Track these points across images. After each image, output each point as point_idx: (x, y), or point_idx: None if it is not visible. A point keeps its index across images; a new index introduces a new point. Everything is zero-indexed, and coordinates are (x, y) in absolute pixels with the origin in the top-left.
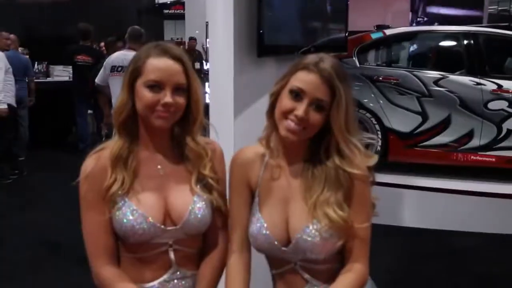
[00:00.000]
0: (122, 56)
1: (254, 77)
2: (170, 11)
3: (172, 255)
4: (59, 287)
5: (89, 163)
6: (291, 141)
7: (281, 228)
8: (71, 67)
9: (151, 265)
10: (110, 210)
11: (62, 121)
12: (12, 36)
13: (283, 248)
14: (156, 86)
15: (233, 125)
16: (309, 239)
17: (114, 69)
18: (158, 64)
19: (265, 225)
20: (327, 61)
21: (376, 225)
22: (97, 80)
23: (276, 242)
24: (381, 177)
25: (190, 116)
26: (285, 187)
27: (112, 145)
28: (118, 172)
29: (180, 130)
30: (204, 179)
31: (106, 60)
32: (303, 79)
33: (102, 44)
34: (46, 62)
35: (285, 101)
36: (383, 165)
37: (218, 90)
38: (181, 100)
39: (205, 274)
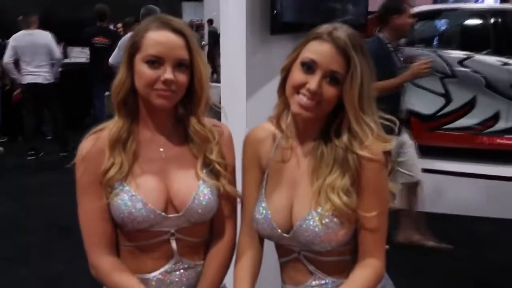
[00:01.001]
0: None
1: (267, 56)
2: None
3: (174, 244)
4: (70, 271)
5: (87, 145)
6: (304, 118)
7: (284, 213)
8: (88, 48)
9: (152, 255)
10: (107, 196)
11: (79, 103)
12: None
13: (285, 235)
14: (155, 61)
15: (245, 106)
16: (310, 227)
17: None
18: (158, 38)
19: (268, 209)
20: (342, 30)
21: (394, 211)
22: (111, 60)
23: (277, 229)
24: None
25: (194, 95)
26: (293, 169)
27: (112, 125)
28: (117, 155)
29: (185, 110)
30: (210, 164)
31: (121, 40)
32: (315, 50)
33: (119, 25)
34: (63, 44)
35: (297, 74)
36: None
37: (230, 70)
38: (182, 77)
39: (211, 266)
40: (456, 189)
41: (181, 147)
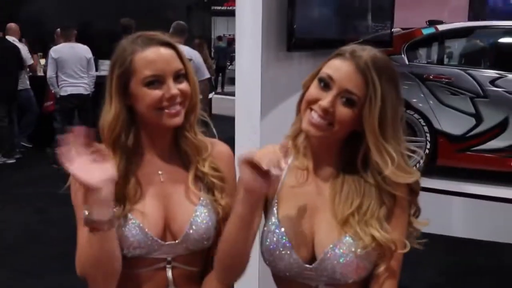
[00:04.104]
0: None
1: (283, 73)
2: (222, 8)
3: (169, 273)
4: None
5: None
6: (312, 136)
7: (305, 242)
8: None
9: (145, 284)
10: None
11: None
12: (13, 25)
13: (306, 266)
14: (155, 81)
15: (259, 125)
16: (343, 256)
17: None
18: (149, 56)
19: (287, 238)
20: (368, 50)
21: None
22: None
23: (299, 259)
24: (429, 183)
25: (189, 103)
26: (313, 194)
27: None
28: (117, 193)
29: (184, 122)
30: (204, 178)
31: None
32: (334, 66)
33: None
34: (94, 57)
35: (312, 90)
36: (431, 170)
37: (244, 86)
38: (185, 86)
39: None
40: (486, 214)
41: (179, 169)
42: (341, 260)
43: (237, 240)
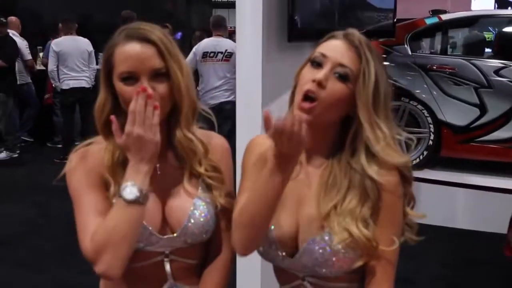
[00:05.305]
0: (215, 42)
1: (284, 63)
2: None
3: (168, 266)
4: (83, 280)
5: (78, 155)
6: (305, 123)
7: (289, 234)
8: None
9: (144, 278)
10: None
11: None
12: (13, 18)
13: (289, 259)
14: (129, 77)
15: (261, 117)
16: (320, 251)
17: (206, 55)
18: (126, 52)
19: (274, 232)
20: (358, 32)
21: (422, 225)
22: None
23: (281, 251)
24: (433, 174)
25: (175, 104)
26: (301, 186)
27: (102, 146)
28: (119, 177)
29: (173, 121)
30: (200, 177)
31: (196, 47)
32: (327, 46)
33: None
34: (94, 50)
35: (304, 75)
36: (435, 161)
37: (245, 78)
38: (162, 87)
39: (206, 286)
40: (489, 205)
41: (176, 162)
42: (317, 255)
43: (268, 201)
